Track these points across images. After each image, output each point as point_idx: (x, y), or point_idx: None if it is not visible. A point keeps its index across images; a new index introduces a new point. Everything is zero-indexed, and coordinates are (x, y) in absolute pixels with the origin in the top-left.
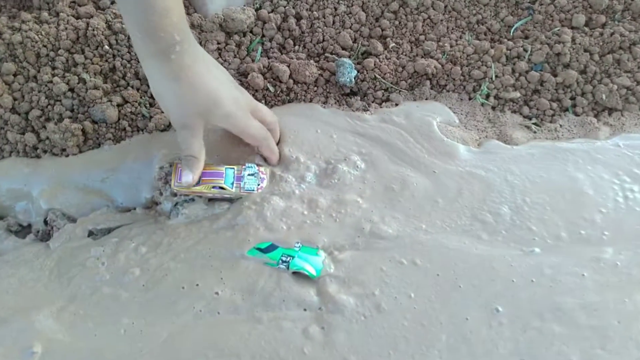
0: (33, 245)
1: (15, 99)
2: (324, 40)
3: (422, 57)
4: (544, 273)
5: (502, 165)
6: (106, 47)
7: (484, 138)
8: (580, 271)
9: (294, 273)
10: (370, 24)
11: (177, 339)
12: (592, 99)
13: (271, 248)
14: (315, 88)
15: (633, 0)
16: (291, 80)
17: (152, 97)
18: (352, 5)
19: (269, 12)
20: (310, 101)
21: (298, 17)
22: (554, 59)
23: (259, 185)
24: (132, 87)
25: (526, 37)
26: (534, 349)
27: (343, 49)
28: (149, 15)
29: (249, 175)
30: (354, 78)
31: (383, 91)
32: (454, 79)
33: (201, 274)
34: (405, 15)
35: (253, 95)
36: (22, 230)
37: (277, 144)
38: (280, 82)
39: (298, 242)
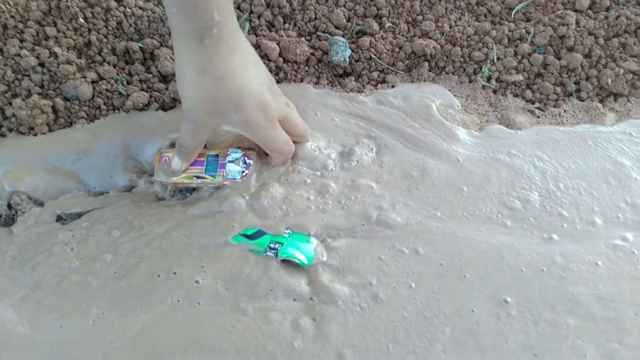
0: None
1: None
2: (316, 18)
3: (420, 37)
4: (555, 262)
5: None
6: (81, 20)
7: (485, 122)
8: (593, 260)
9: (283, 261)
10: (365, 2)
11: (152, 331)
12: (597, 84)
13: (258, 234)
14: (307, 68)
15: None
16: (281, 59)
17: (129, 73)
18: None
19: None
20: (301, 81)
21: None
22: (558, 42)
23: (243, 172)
24: (109, 63)
25: (528, 20)
26: (547, 343)
27: (336, 27)
28: None
29: (232, 161)
30: (348, 58)
31: (379, 72)
32: (453, 61)
33: (179, 262)
34: None
35: None
36: None
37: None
38: (269, 60)
39: (288, 229)
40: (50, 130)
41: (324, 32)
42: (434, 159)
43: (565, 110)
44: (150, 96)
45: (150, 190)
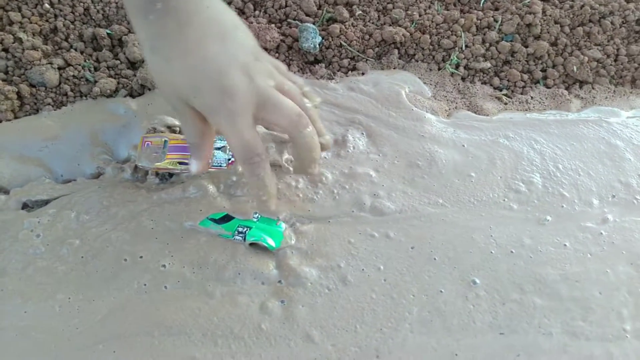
0: None
1: None
2: (286, 5)
3: (390, 25)
4: (524, 244)
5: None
6: (47, 5)
7: (453, 109)
8: (561, 241)
9: (252, 245)
10: None
11: (117, 315)
12: (563, 71)
13: (226, 219)
14: (277, 54)
15: None
16: None
17: (97, 60)
18: None
19: None
20: None
21: None
22: (525, 30)
23: (229, 160)
24: (76, 49)
25: (496, 9)
26: (514, 322)
27: (307, 15)
28: None
29: (219, 148)
30: (319, 45)
31: (349, 59)
32: (422, 48)
33: (146, 246)
34: None
35: None
36: None
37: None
38: None
39: (256, 213)
40: (15, 117)
41: (294, 19)
42: (410, 143)
43: (532, 97)
44: (118, 83)
45: (118, 176)
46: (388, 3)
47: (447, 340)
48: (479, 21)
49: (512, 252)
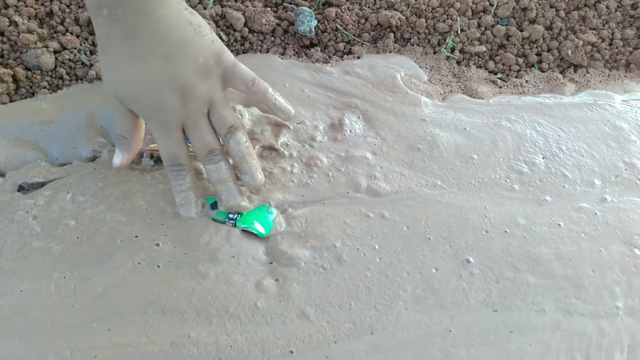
0: None
1: None
2: None
3: (386, 9)
4: (518, 224)
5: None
6: None
7: (448, 92)
8: (556, 221)
9: (243, 231)
10: None
11: (112, 293)
12: (558, 55)
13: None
14: (273, 38)
15: None
16: (246, 29)
17: (93, 44)
18: None
19: None
20: (267, 52)
21: None
22: (520, 14)
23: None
24: (72, 33)
25: None
26: (507, 300)
27: None
28: None
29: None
30: (314, 28)
31: (345, 43)
32: (418, 32)
33: (140, 225)
34: None
35: None
36: None
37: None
38: (234, 30)
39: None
40: (11, 101)
41: (290, 2)
42: (411, 127)
43: (527, 81)
44: None
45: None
46: None
47: (441, 316)
48: (474, 5)
49: (506, 231)
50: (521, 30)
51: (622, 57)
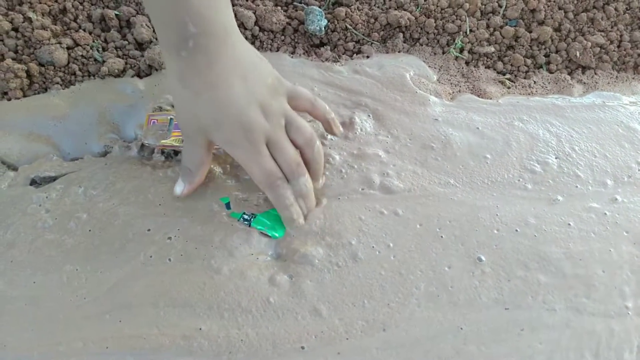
0: None
1: None
2: None
3: (395, 9)
4: (529, 223)
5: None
6: None
7: (457, 92)
8: (566, 221)
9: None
10: None
11: (124, 286)
12: (566, 57)
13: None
14: (283, 37)
15: None
16: (257, 28)
17: (105, 40)
18: None
19: None
20: (277, 50)
21: None
22: (529, 15)
23: None
24: (85, 30)
25: None
26: (518, 298)
27: None
28: None
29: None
30: (324, 27)
31: (354, 43)
32: (427, 32)
33: (153, 220)
34: None
35: None
36: None
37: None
38: (245, 28)
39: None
40: (24, 96)
41: (300, 2)
42: (423, 126)
43: (535, 82)
44: (126, 63)
45: (125, 154)
46: None
47: (453, 314)
48: (483, 6)
49: (517, 230)
50: (530, 32)
51: (631, 59)
